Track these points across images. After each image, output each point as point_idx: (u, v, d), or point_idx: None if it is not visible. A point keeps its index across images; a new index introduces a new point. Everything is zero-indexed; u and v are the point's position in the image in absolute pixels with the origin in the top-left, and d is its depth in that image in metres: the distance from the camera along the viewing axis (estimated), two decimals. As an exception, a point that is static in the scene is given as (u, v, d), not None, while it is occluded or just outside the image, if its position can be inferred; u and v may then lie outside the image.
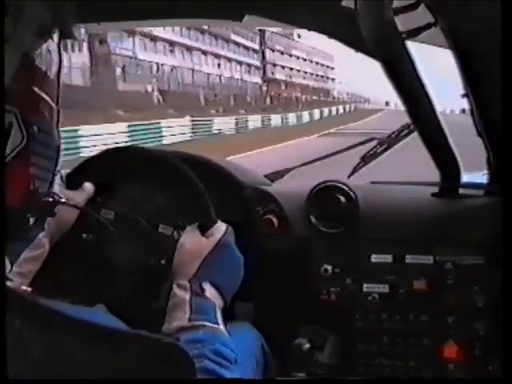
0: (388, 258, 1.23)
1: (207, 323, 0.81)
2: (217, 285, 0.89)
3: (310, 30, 0.95)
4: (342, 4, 0.87)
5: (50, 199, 0.69)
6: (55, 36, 0.66)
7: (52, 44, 0.65)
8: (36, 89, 0.62)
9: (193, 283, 0.87)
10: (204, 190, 1.01)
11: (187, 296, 0.85)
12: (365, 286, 1.24)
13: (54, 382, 0.51)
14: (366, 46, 0.92)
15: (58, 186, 1.04)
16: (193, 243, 0.94)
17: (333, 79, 74.56)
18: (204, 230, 0.96)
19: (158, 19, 0.96)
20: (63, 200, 0.95)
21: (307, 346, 1.20)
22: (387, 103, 76.46)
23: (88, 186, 1.15)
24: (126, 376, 0.53)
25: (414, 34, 0.84)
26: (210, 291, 0.87)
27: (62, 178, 1.10)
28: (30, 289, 0.80)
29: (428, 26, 0.80)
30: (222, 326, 0.83)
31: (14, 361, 0.48)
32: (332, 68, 74.07)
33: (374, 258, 1.24)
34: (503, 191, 1.03)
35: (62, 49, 0.68)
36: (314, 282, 1.28)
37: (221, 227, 0.96)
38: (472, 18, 0.75)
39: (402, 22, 0.82)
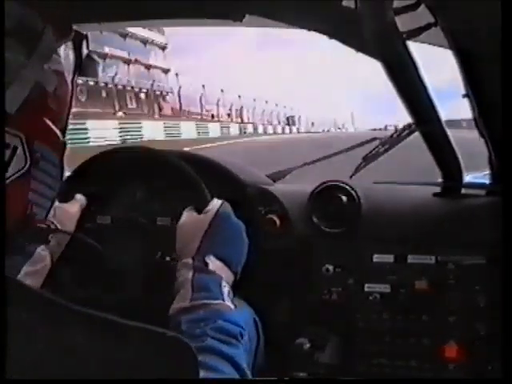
0: (390, 258, 1.23)
1: (207, 301, 0.80)
2: (221, 257, 0.88)
3: (310, 29, 0.95)
4: (343, 4, 0.87)
5: (45, 226, 0.70)
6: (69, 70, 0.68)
7: (67, 78, 0.66)
8: (46, 119, 0.62)
9: (196, 260, 0.86)
10: (196, 176, 1.02)
11: (190, 274, 0.84)
12: (366, 285, 1.24)
13: (54, 382, 0.51)
14: (366, 47, 0.92)
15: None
16: (191, 221, 0.94)
17: (166, 70, 33.56)
18: (200, 210, 0.96)
19: (157, 19, 0.96)
20: (58, 227, 0.97)
21: (308, 345, 1.21)
22: (290, 122, 43.78)
23: (79, 197, 1.17)
24: (127, 368, 0.53)
25: (414, 34, 0.84)
26: (214, 264, 0.86)
27: None
28: None
29: (428, 26, 0.80)
30: (227, 302, 0.81)
31: (17, 354, 0.49)
32: (163, 47, 33.65)
33: (376, 258, 1.24)
34: (503, 191, 1.02)
35: (75, 84, 0.69)
36: (315, 282, 1.28)
37: (217, 202, 0.96)
38: (472, 18, 0.75)
39: (403, 22, 0.82)
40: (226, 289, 0.84)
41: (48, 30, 0.62)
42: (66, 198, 1.14)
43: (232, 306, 0.81)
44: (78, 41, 0.83)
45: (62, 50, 0.70)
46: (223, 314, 0.78)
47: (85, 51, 0.83)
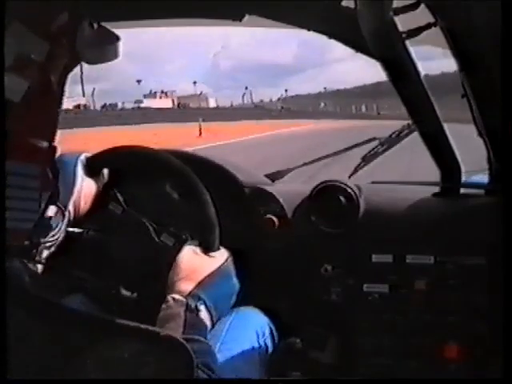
0: (388, 258, 1.23)
1: (200, 338, 0.83)
2: (211, 309, 0.91)
3: (309, 29, 0.95)
4: (342, 4, 0.87)
5: (27, 242, 0.68)
6: (60, 69, 0.61)
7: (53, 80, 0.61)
8: (24, 136, 0.58)
9: (189, 301, 0.89)
10: (211, 202, 1.02)
11: (182, 311, 0.87)
12: (365, 285, 1.24)
13: (54, 381, 0.51)
14: (365, 46, 0.92)
15: (79, 171, 1.05)
16: (192, 261, 0.96)
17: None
18: (205, 250, 0.98)
19: (158, 19, 0.96)
20: (43, 240, 0.95)
21: (299, 344, 1.21)
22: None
23: (105, 173, 1.16)
24: (123, 367, 0.53)
25: (414, 33, 0.84)
26: (203, 313, 0.90)
27: (82, 162, 1.11)
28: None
29: (428, 26, 0.80)
30: (212, 346, 0.87)
31: (18, 355, 0.49)
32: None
33: (375, 258, 1.24)
34: (503, 191, 1.02)
35: (66, 83, 0.63)
36: (314, 282, 1.28)
37: (223, 253, 0.99)
38: (472, 18, 0.75)
39: (402, 22, 0.82)
40: (209, 336, 0.90)
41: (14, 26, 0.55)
42: (92, 173, 1.14)
43: (215, 351, 0.87)
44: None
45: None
46: (211, 353, 0.83)
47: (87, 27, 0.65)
